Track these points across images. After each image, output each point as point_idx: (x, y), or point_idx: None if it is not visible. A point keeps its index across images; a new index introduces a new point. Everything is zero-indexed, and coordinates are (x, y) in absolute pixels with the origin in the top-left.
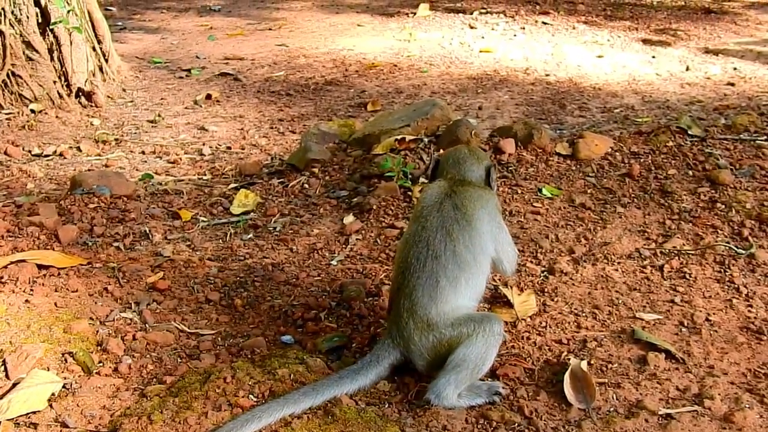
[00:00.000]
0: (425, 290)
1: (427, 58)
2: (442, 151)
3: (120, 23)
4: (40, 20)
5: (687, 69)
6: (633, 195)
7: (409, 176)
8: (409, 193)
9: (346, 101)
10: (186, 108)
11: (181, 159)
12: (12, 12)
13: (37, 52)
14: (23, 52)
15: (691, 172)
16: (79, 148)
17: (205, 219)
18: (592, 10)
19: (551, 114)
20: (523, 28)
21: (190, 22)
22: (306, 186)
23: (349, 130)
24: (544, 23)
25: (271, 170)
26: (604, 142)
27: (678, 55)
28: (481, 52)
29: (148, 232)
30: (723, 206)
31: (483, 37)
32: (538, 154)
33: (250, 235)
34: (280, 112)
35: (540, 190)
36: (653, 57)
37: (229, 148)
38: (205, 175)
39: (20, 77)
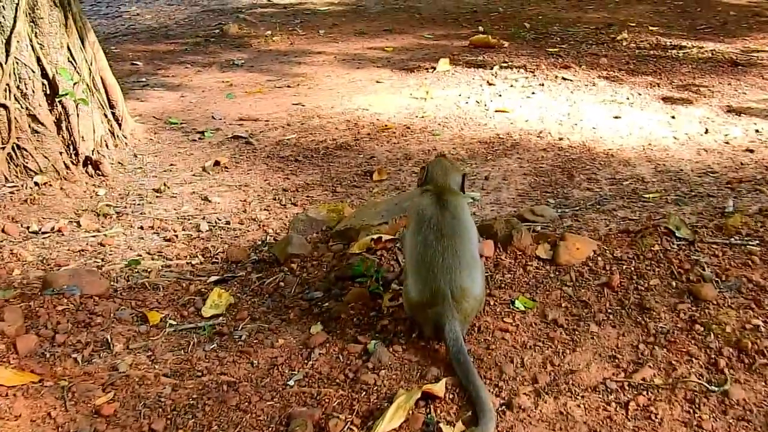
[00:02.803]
0: (463, 269)
1: (441, 119)
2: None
3: (144, 79)
4: (48, 91)
5: (706, 132)
6: (609, 310)
7: (381, 281)
8: (380, 300)
9: (354, 168)
10: (194, 175)
11: (177, 236)
12: (17, 87)
13: (42, 124)
14: (29, 126)
15: (674, 283)
16: (79, 223)
17: (174, 322)
18: (615, 63)
19: (558, 186)
20: (542, 85)
21: (212, 78)
22: (282, 284)
23: (338, 215)
24: (564, 78)
25: (257, 258)
26: (586, 245)
27: (699, 115)
28: (496, 111)
29: (110, 340)
30: (702, 328)
31: (500, 95)
32: (517, 258)
33: (214, 345)
34: (286, 181)
35: (513, 302)
36: (672, 117)
37: (228, 223)
38: (196, 257)
39: (25, 150)
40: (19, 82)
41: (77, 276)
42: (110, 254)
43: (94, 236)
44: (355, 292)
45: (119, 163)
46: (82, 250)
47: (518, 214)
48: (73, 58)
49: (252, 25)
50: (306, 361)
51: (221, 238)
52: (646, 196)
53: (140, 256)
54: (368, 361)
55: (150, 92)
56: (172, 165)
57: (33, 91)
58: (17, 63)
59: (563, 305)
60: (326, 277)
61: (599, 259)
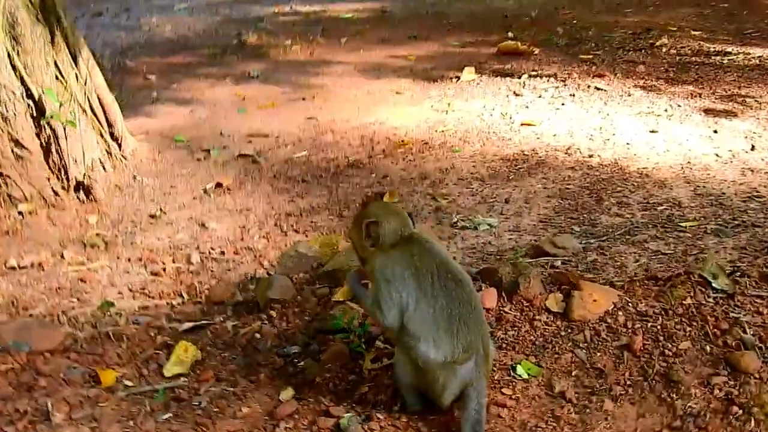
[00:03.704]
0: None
1: (462, 134)
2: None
3: (155, 94)
4: (34, 113)
5: (752, 148)
6: (629, 381)
7: (364, 338)
8: (361, 361)
9: (365, 189)
10: (194, 198)
11: (165, 270)
12: None
13: (27, 149)
14: (12, 151)
15: (708, 348)
16: (62, 256)
17: (129, 384)
18: (653, 71)
19: (585, 211)
20: (573, 95)
21: (225, 92)
22: (257, 335)
23: (331, 250)
24: (597, 88)
25: (241, 299)
26: (605, 296)
27: (744, 130)
28: (522, 125)
29: (50, 408)
30: (740, 411)
31: (527, 107)
32: (524, 310)
33: (169, 414)
34: (291, 204)
35: (515, 368)
36: (715, 132)
37: (223, 253)
38: (179, 296)
39: (8, 177)
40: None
41: (27, 329)
42: (88, 292)
43: (76, 271)
44: (333, 350)
45: (116, 186)
46: (60, 288)
47: (537, 245)
48: (63, 77)
49: (272, 34)
50: None
51: (212, 271)
52: (683, 224)
53: (120, 294)
54: None
55: (160, 108)
56: (172, 187)
57: (15, 114)
58: None
59: (574, 373)
60: (307, 327)
61: (620, 313)
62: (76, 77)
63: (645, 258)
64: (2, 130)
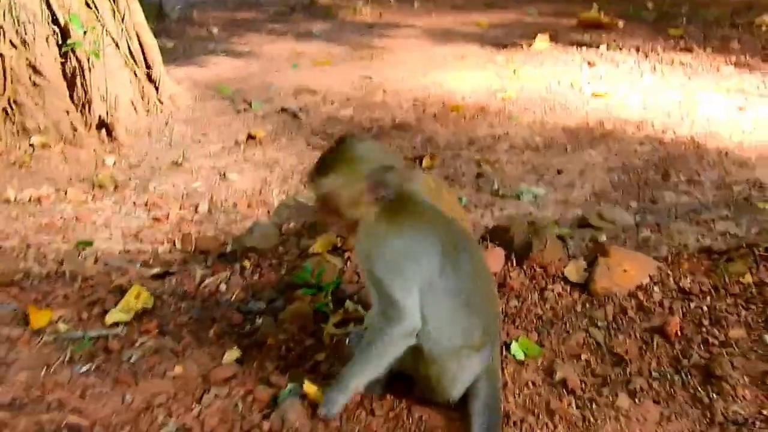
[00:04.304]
0: None
1: (523, 101)
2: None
3: (212, 46)
4: (60, 41)
5: None
6: (656, 374)
7: (332, 296)
8: (323, 325)
9: (405, 151)
10: (223, 148)
11: (168, 217)
12: (16, 31)
13: (45, 78)
14: (29, 78)
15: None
16: (65, 193)
17: (63, 328)
18: (749, 49)
19: (647, 187)
20: (654, 68)
21: (284, 47)
22: (223, 287)
23: None
24: (682, 63)
25: (224, 252)
26: (640, 266)
27: None
28: (592, 96)
29: None
30: None
31: (600, 77)
32: (534, 277)
33: (89, 366)
34: None
35: (508, 346)
36: None
37: (235, 205)
38: (169, 243)
39: (23, 105)
40: (18, 25)
41: None
42: (77, 231)
43: (75, 209)
44: (294, 308)
45: (145, 130)
46: (49, 224)
47: (581, 217)
48: (95, 6)
49: None
50: (193, 406)
51: (216, 222)
52: (761, 205)
53: (110, 236)
54: (268, 417)
55: (213, 59)
56: (203, 135)
57: (34, 38)
58: (14, 2)
59: (584, 358)
60: (280, 281)
61: (656, 289)
62: (113, 12)
63: (709, 239)
64: (20, 54)
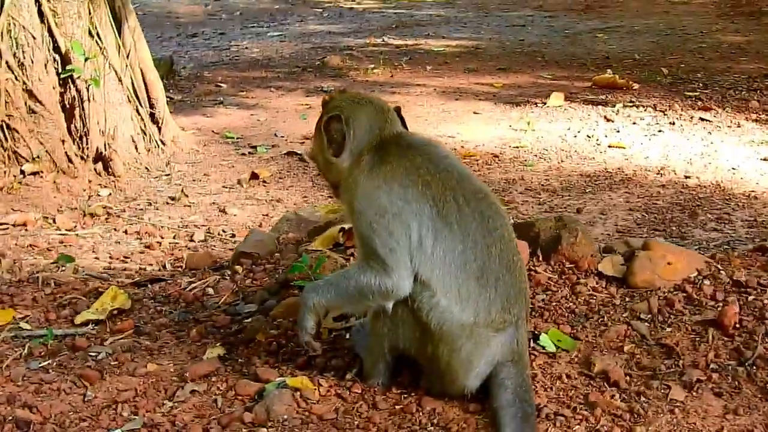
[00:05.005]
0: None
1: (539, 151)
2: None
3: (220, 98)
4: (59, 69)
5: None
6: (714, 366)
7: None
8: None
9: None
10: (224, 187)
11: (160, 244)
12: (13, 53)
13: (41, 104)
14: (24, 103)
15: None
16: (53, 220)
17: (26, 326)
18: None
19: (673, 224)
20: (673, 123)
21: (292, 101)
22: (211, 290)
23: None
24: (702, 119)
25: (215, 267)
26: (686, 260)
27: None
28: (610, 147)
29: None
30: None
31: (618, 131)
32: (564, 272)
33: (49, 362)
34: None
35: (537, 338)
36: None
37: (233, 235)
38: (165, 266)
39: (17, 131)
40: (16, 48)
41: None
42: (61, 251)
43: (62, 234)
44: (288, 302)
45: (145, 167)
46: (33, 245)
47: (605, 247)
48: (99, 36)
49: (357, 59)
50: (165, 402)
51: (212, 248)
52: None
53: (97, 258)
54: (251, 410)
55: (221, 109)
56: (205, 175)
57: (32, 62)
58: (13, 23)
59: (627, 349)
60: (274, 283)
61: (706, 282)
62: (118, 46)
63: None
64: (17, 79)
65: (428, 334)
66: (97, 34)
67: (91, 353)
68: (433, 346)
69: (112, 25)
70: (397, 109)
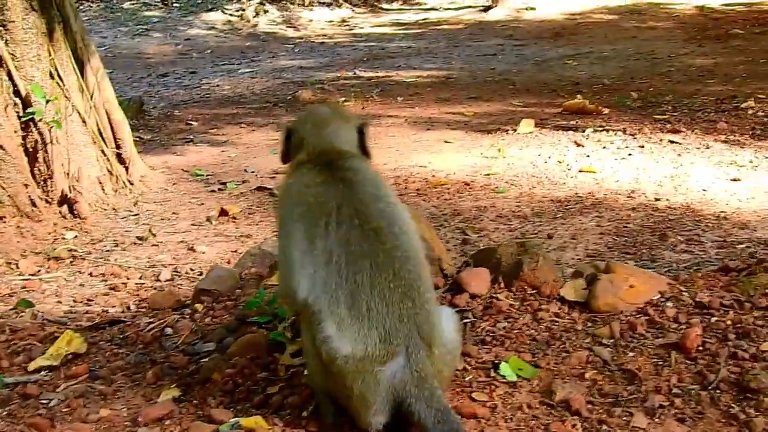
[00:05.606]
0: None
1: (510, 178)
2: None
3: (191, 136)
4: (20, 112)
5: None
6: (677, 390)
7: (287, 325)
8: (278, 355)
9: None
10: (193, 224)
11: (126, 285)
12: None
13: (2, 148)
14: None
15: None
16: (17, 265)
17: None
18: (737, 129)
19: (644, 247)
20: (643, 146)
21: (263, 137)
22: (169, 330)
23: None
24: (671, 141)
25: (179, 304)
26: (648, 283)
27: None
28: (580, 172)
29: None
30: None
31: (588, 156)
32: (526, 299)
33: None
34: None
35: (497, 366)
36: None
37: (201, 273)
38: (121, 307)
39: None
40: None
41: None
42: (22, 297)
43: (25, 279)
44: (245, 340)
45: (113, 208)
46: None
47: (575, 271)
48: (60, 78)
49: (327, 92)
50: None
51: (179, 287)
52: None
53: (60, 302)
54: None
55: (191, 147)
56: (174, 214)
57: None
58: None
59: (588, 376)
60: (234, 321)
61: (668, 304)
62: (81, 87)
63: None
64: None
65: (326, 367)
66: (59, 76)
67: (42, 401)
68: (332, 383)
69: (74, 67)
70: (361, 126)
